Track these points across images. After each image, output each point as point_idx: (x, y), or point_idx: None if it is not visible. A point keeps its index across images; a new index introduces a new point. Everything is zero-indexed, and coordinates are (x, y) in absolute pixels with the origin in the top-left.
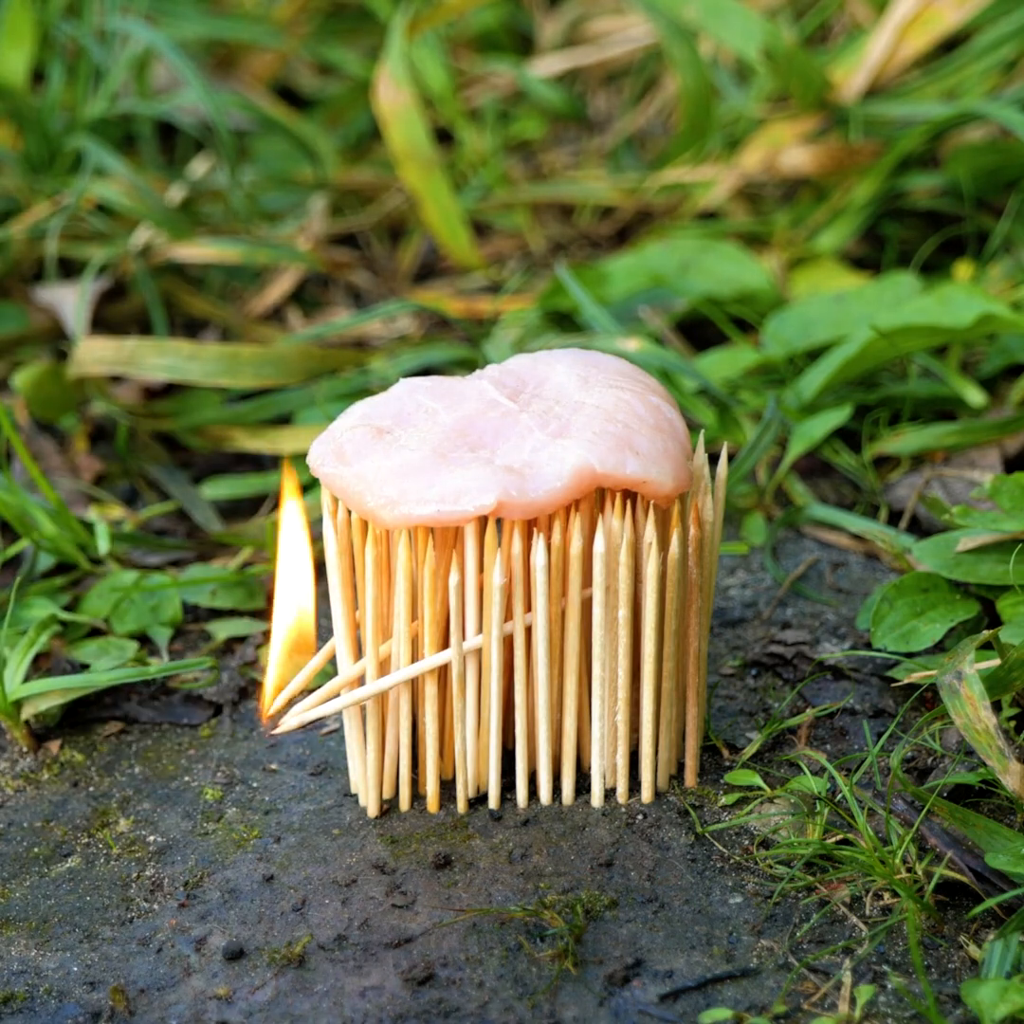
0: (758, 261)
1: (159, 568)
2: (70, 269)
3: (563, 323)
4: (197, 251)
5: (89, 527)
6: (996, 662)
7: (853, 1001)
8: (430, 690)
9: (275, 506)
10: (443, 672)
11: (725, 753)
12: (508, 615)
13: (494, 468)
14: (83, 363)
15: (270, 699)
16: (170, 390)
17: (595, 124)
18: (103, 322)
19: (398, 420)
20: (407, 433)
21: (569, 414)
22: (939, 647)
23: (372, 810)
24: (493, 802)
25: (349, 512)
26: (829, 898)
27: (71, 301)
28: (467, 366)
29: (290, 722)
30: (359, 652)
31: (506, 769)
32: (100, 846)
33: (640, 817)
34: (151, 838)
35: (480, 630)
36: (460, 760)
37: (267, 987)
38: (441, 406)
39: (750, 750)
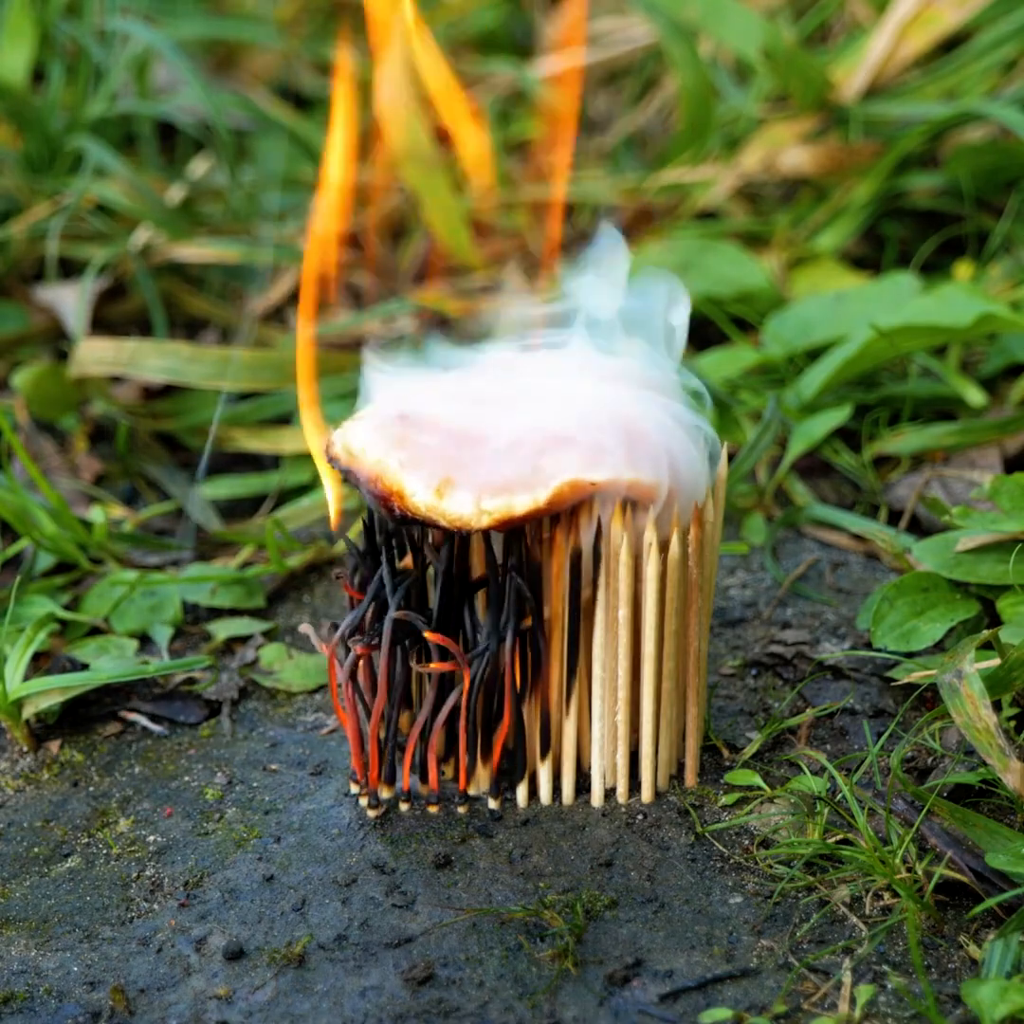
0: (758, 261)
1: (159, 568)
2: (70, 269)
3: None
4: (197, 251)
5: (89, 527)
6: (996, 662)
7: (853, 1001)
8: (430, 691)
9: (276, 505)
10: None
11: (725, 753)
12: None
13: (490, 471)
14: (83, 363)
15: None
16: (170, 390)
17: (595, 124)
18: (103, 322)
19: (402, 418)
20: (411, 431)
21: (567, 415)
22: (939, 647)
23: (372, 810)
24: (493, 802)
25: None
26: (829, 898)
27: (71, 301)
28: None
29: None
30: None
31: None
32: (100, 846)
33: (640, 817)
34: (151, 838)
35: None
36: (462, 759)
37: (267, 987)
38: (442, 404)
39: (750, 750)
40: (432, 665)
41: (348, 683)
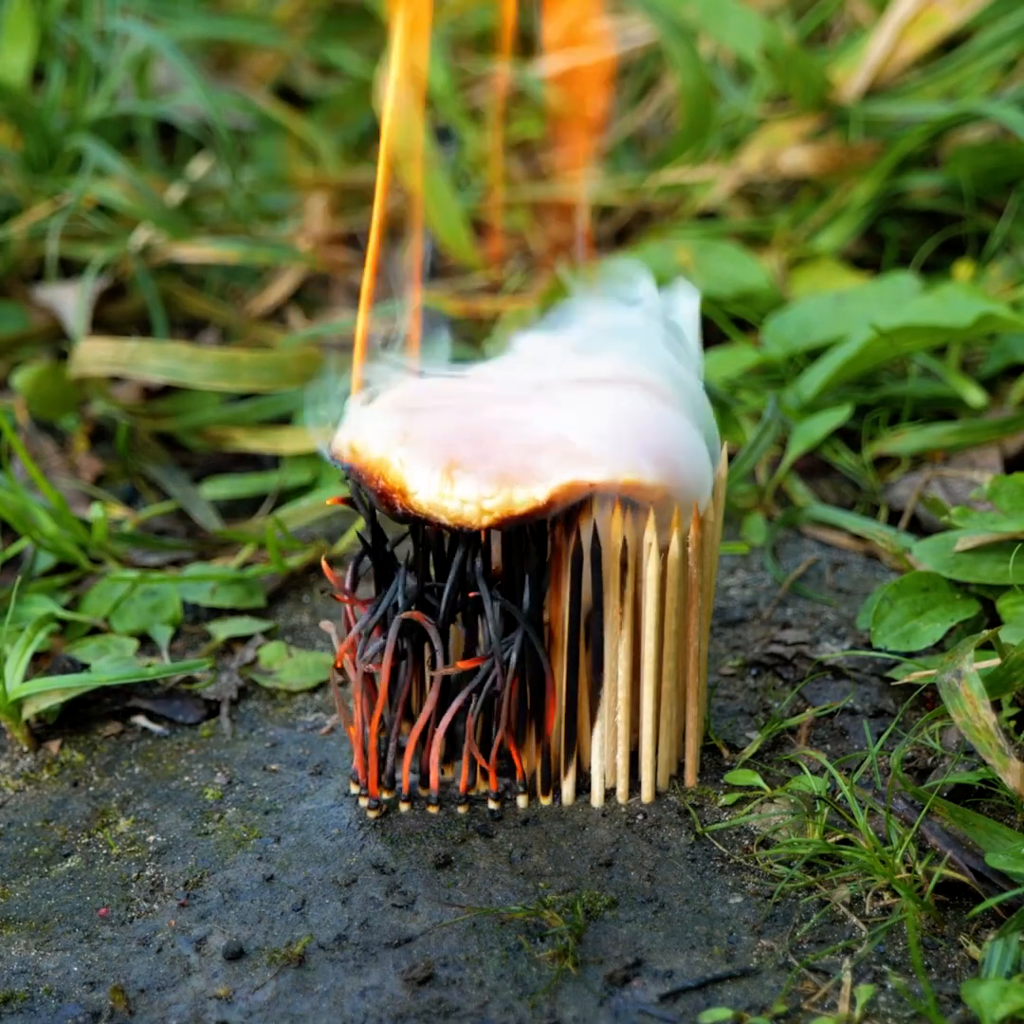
0: (758, 261)
1: (159, 568)
2: (70, 269)
3: None
4: (197, 251)
5: (89, 527)
6: (996, 661)
7: (853, 1001)
8: (432, 692)
9: (276, 505)
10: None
11: (725, 753)
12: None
13: (490, 470)
14: (83, 363)
15: None
16: (170, 390)
17: (595, 124)
18: (103, 322)
19: (405, 416)
20: (414, 428)
21: (565, 414)
22: (939, 647)
23: (372, 811)
24: (493, 802)
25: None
26: (829, 898)
27: (71, 301)
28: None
29: None
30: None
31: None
32: (100, 846)
33: (640, 817)
34: (151, 838)
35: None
36: (463, 759)
37: (267, 987)
38: (443, 404)
39: (750, 750)
40: (455, 666)
41: (359, 684)
